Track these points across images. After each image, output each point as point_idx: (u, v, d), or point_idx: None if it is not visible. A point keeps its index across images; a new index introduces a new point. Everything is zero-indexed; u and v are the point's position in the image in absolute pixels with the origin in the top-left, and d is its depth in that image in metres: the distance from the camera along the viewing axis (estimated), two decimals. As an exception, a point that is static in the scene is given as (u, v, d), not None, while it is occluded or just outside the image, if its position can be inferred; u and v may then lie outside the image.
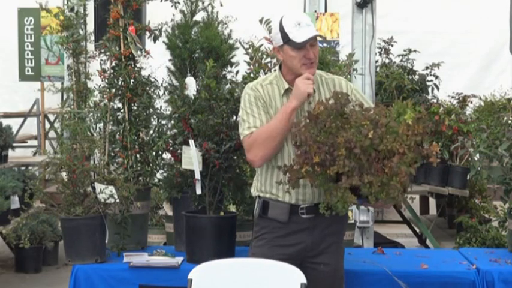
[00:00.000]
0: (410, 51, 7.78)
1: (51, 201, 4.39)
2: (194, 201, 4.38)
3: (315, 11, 9.24)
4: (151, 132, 4.71)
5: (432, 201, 8.31)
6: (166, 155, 4.63)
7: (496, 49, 10.98)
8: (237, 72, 4.79)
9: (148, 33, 4.76)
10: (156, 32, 4.76)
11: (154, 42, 4.78)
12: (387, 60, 7.85)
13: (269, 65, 4.72)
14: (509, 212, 4.60)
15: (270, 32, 4.62)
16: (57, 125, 10.47)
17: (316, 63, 3.74)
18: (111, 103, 4.68)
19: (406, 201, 6.56)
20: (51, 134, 10.80)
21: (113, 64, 4.66)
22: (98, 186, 4.27)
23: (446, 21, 11.00)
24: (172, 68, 4.86)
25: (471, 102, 7.34)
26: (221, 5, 4.90)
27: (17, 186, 6.95)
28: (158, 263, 4.24)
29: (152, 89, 4.69)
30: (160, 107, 4.69)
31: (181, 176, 4.44)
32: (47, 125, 10.92)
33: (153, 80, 4.70)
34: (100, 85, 4.73)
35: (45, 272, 7.53)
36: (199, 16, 4.91)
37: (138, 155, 4.65)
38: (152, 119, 4.73)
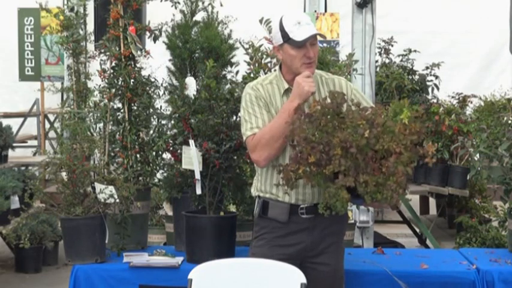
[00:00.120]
0: (410, 51, 7.79)
1: (51, 201, 4.39)
2: (194, 201, 4.38)
3: (315, 11, 9.24)
4: (151, 132, 4.71)
5: (432, 201, 8.32)
6: (166, 155, 4.63)
7: (496, 49, 10.98)
8: (237, 72, 4.79)
9: (148, 33, 4.76)
10: (156, 32, 4.76)
11: (154, 42, 4.78)
12: (387, 60, 7.86)
13: (269, 65, 4.72)
14: (509, 212, 4.60)
15: (270, 32, 4.62)
16: (57, 125, 10.47)
17: (316, 63, 3.74)
18: (111, 103, 4.68)
19: (406, 201, 6.58)
20: (51, 134, 10.80)
21: (113, 64, 4.66)
22: (98, 186, 4.27)
23: (446, 21, 11.00)
24: (172, 68, 4.86)
25: (471, 102, 7.35)
26: (221, 5, 4.90)
27: (17, 186, 6.95)
28: (158, 263, 4.24)
29: (152, 89, 4.69)
30: (160, 107, 4.68)
31: (181, 176, 4.43)
32: (47, 125, 10.92)
33: (153, 80, 4.70)
34: (100, 85, 4.73)
35: (45, 272, 7.53)
36: (199, 16, 4.91)
37: (138, 155, 4.65)
38: (152, 119, 4.72)
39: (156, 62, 4.72)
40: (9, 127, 7.84)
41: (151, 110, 4.69)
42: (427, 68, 7.69)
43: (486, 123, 6.39)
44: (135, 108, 4.69)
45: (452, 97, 7.36)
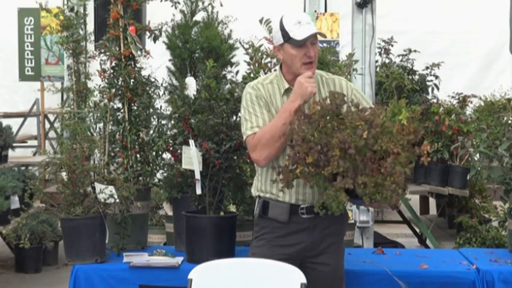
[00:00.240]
0: (410, 51, 7.78)
1: (51, 201, 4.39)
2: (194, 201, 4.38)
3: (315, 11, 9.24)
4: (151, 132, 4.71)
5: (432, 201, 8.31)
6: (166, 155, 4.63)
7: (496, 49, 10.98)
8: (237, 72, 4.79)
9: (148, 33, 4.76)
10: (156, 32, 4.76)
11: (154, 42, 4.78)
12: (387, 60, 7.86)
13: (269, 65, 4.72)
14: (509, 212, 4.60)
15: (270, 32, 4.62)
16: (57, 125, 10.47)
17: (316, 63, 3.74)
18: (111, 103, 4.68)
19: (406, 201, 6.59)
20: (51, 134, 10.80)
21: (113, 64, 4.67)
22: (98, 186, 4.27)
23: (446, 21, 11.00)
24: (172, 68, 4.86)
25: (471, 102, 7.35)
26: (221, 5, 4.90)
27: (17, 186, 6.95)
28: (158, 263, 4.24)
29: (152, 89, 4.69)
30: (160, 107, 4.69)
31: (181, 176, 4.43)
32: (47, 125, 10.91)
33: (153, 80, 4.70)
34: (100, 85, 4.73)
35: (45, 272, 7.53)
36: (199, 16, 4.91)
37: (138, 155, 4.65)
38: (152, 119, 4.73)
39: (156, 62, 4.72)
40: (9, 127, 7.84)
41: (151, 110, 4.69)
42: (427, 68, 7.68)
43: (486, 123, 6.39)
44: (135, 108, 4.69)
45: (452, 97, 7.36)
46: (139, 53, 4.68)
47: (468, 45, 11.11)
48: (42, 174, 4.89)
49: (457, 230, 6.72)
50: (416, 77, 7.69)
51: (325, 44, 7.40)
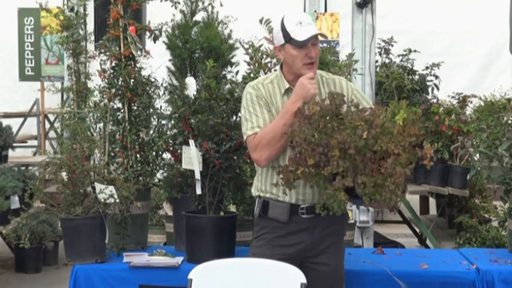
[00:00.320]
0: (410, 51, 7.78)
1: (51, 201, 4.39)
2: (194, 201, 4.38)
3: (315, 11, 9.23)
4: (151, 132, 4.71)
5: (432, 201, 8.31)
6: (166, 155, 4.63)
7: (496, 49, 10.98)
8: (237, 72, 4.79)
9: (148, 33, 4.76)
10: (156, 32, 4.76)
11: (154, 42, 4.78)
12: (387, 60, 7.86)
13: (269, 65, 4.72)
14: (509, 212, 4.60)
15: (270, 32, 4.62)
16: (57, 125, 10.47)
17: (317, 63, 3.74)
18: (111, 103, 4.68)
19: (406, 201, 6.59)
20: (51, 134, 10.80)
21: (113, 64, 4.67)
22: (98, 186, 4.27)
23: (446, 21, 11.00)
24: (172, 68, 4.86)
25: (471, 102, 7.34)
26: (221, 5, 4.90)
27: (17, 186, 6.95)
28: (158, 263, 4.24)
29: (152, 89, 4.69)
30: (160, 107, 4.68)
31: (181, 176, 4.43)
32: (47, 125, 10.91)
33: (153, 80, 4.70)
34: (100, 85, 4.73)
35: (45, 272, 7.54)
36: (199, 16, 4.90)
37: (138, 155, 4.66)
38: (152, 119, 4.72)
39: (156, 62, 4.72)
40: (9, 127, 7.84)
41: (151, 110, 4.69)
42: (427, 68, 7.68)
43: (486, 123, 6.40)
44: (135, 108, 4.69)
45: (452, 97, 7.35)
46: (139, 53, 4.68)
47: (468, 45, 11.11)
48: (42, 174, 4.89)
49: (457, 230, 6.72)
50: (416, 77, 7.68)
51: (325, 44, 7.40)
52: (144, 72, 4.71)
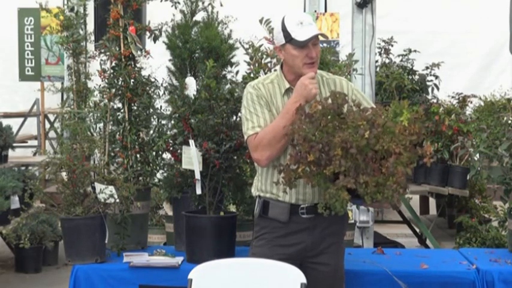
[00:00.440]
0: (410, 51, 7.79)
1: (51, 201, 4.39)
2: (194, 201, 4.38)
3: (315, 11, 9.23)
4: (151, 132, 4.72)
5: (432, 201, 8.31)
6: (166, 155, 4.63)
7: (496, 49, 10.98)
8: (237, 72, 4.79)
9: (148, 33, 4.76)
10: (156, 32, 4.76)
11: (155, 42, 4.78)
12: (387, 60, 7.86)
13: (269, 65, 4.72)
14: (509, 212, 4.60)
15: (270, 32, 4.63)
16: (57, 125, 10.47)
17: (318, 63, 3.74)
18: (111, 103, 4.69)
19: (406, 201, 6.59)
20: (51, 134, 10.80)
21: (113, 64, 4.67)
22: (98, 186, 4.27)
23: (446, 21, 11.00)
24: (172, 68, 4.86)
25: (471, 102, 7.34)
26: (221, 5, 4.90)
27: (17, 186, 6.95)
28: (158, 263, 4.24)
29: (152, 89, 4.69)
30: (160, 107, 4.69)
31: (181, 176, 4.43)
32: (47, 125, 10.91)
33: (153, 80, 4.71)
34: (100, 85, 4.73)
35: (45, 272, 7.53)
36: (199, 16, 4.91)
37: (138, 155, 4.66)
38: (152, 119, 4.73)
39: (156, 62, 4.72)
40: (9, 127, 7.84)
41: (151, 110, 4.69)
42: (427, 68, 7.68)
43: (486, 123, 6.40)
44: (135, 108, 4.69)
45: (452, 97, 7.35)
46: (139, 53, 4.68)
47: (468, 45, 11.11)
48: (42, 174, 4.89)
49: (457, 230, 6.72)
50: (416, 77, 7.69)
51: (325, 44, 7.40)
52: (144, 72, 4.71)
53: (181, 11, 4.89)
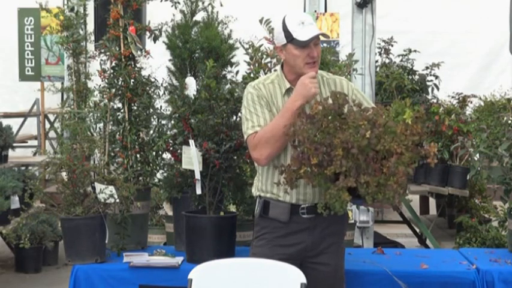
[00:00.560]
0: (410, 51, 7.79)
1: (51, 201, 4.39)
2: (194, 201, 4.38)
3: (315, 11, 9.24)
4: (151, 132, 4.72)
5: (432, 201, 8.31)
6: (166, 155, 4.63)
7: (496, 49, 10.98)
8: (237, 72, 4.79)
9: (148, 33, 4.76)
10: (156, 32, 4.76)
11: (155, 42, 4.78)
12: (387, 60, 7.86)
13: (269, 65, 4.72)
14: (509, 212, 4.60)
15: (270, 32, 4.63)
16: (57, 125, 10.47)
17: (319, 63, 3.74)
18: (111, 103, 4.69)
19: (406, 201, 6.58)
20: (51, 134, 10.80)
21: (113, 64, 4.67)
22: (98, 186, 4.27)
23: (446, 21, 11.00)
24: (172, 68, 4.86)
25: (471, 102, 7.34)
26: (221, 5, 4.90)
27: (17, 186, 6.95)
28: (158, 263, 4.24)
29: (152, 89, 4.69)
30: (160, 107, 4.69)
31: (181, 176, 4.43)
32: (47, 125, 10.91)
33: (153, 80, 4.71)
34: (100, 85, 4.73)
35: (45, 272, 7.54)
36: (199, 16, 4.91)
37: (138, 155, 4.66)
38: (152, 119, 4.73)
39: (156, 62, 4.72)
40: (9, 127, 7.84)
41: (151, 110, 4.69)
42: (427, 68, 7.68)
43: (486, 123, 6.40)
44: (135, 108, 4.69)
45: (452, 97, 7.35)
46: (139, 53, 4.68)
47: (468, 45, 11.11)
48: (42, 174, 4.89)
49: (457, 230, 6.72)
50: (416, 77, 7.69)
51: (325, 44, 7.40)
52: (144, 72, 4.71)
53: (181, 11, 4.89)
